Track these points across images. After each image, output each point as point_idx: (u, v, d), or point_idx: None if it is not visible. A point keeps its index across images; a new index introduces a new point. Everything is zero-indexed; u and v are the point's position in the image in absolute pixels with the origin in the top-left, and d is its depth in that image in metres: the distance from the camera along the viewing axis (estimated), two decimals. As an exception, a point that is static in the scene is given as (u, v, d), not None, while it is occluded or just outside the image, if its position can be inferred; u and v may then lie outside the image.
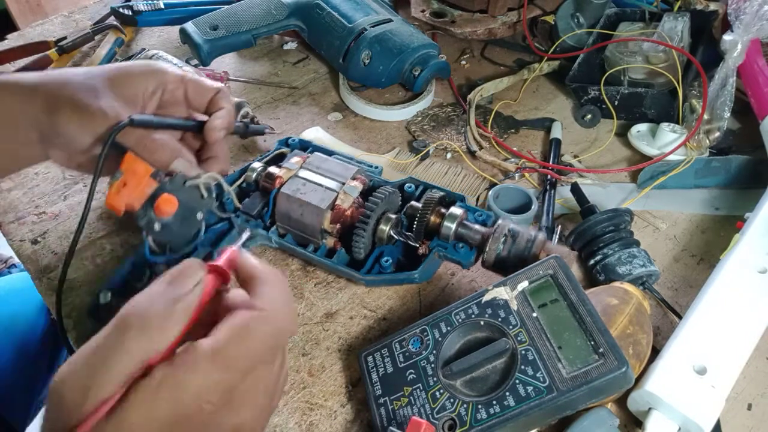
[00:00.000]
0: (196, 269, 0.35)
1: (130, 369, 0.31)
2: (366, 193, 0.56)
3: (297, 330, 0.37)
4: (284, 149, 0.63)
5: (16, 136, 0.50)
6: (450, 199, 0.57)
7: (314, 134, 0.73)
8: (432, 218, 0.54)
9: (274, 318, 0.35)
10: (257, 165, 0.59)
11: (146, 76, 0.52)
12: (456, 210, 0.54)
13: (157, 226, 0.49)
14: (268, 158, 0.62)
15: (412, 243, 0.54)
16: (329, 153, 0.62)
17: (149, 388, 0.30)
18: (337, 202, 0.54)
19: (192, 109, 0.56)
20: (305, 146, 0.64)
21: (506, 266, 0.48)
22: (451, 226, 0.53)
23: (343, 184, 0.55)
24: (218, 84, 0.57)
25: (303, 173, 0.56)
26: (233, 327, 0.33)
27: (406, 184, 0.59)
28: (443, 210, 0.54)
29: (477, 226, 0.53)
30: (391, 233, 0.54)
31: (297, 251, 0.57)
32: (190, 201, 0.51)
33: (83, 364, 0.31)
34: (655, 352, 0.49)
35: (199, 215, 0.53)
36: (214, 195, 0.53)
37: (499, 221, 0.52)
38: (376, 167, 0.61)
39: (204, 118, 0.54)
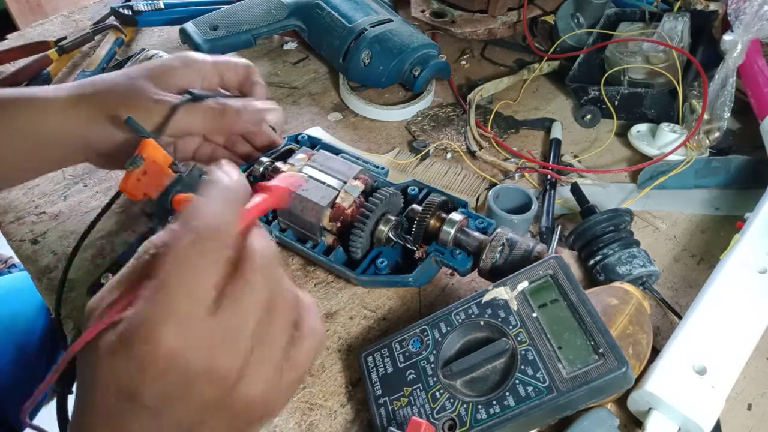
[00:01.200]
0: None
1: (131, 279, 0.33)
2: (369, 194, 0.55)
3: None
4: (293, 145, 0.63)
5: (60, 149, 0.54)
6: (452, 204, 0.56)
7: (314, 134, 0.73)
8: (431, 222, 0.54)
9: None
10: (265, 159, 0.60)
11: (184, 69, 0.56)
12: (456, 216, 0.53)
13: (170, 218, 0.49)
14: (276, 154, 0.61)
15: (409, 246, 0.54)
16: (337, 151, 0.61)
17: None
18: (337, 201, 0.54)
19: (226, 89, 0.60)
20: (314, 143, 0.64)
21: (502, 275, 0.47)
22: (450, 231, 0.53)
23: (345, 182, 0.55)
24: (244, 61, 0.60)
25: (307, 170, 0.56)
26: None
27: (410, 187, 0.58)
28: (443, 215, 0.54)
29: (476, 233, 0.53)
30: (390, 235, 0.54)
31: (295, 247, 0.57)
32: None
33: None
34: (655, 352, 0.49)
35: None
36: None
37: (498, 230, 0.52)
38: (382, 168, 0.60)
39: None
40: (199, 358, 0.30)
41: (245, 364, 0.32)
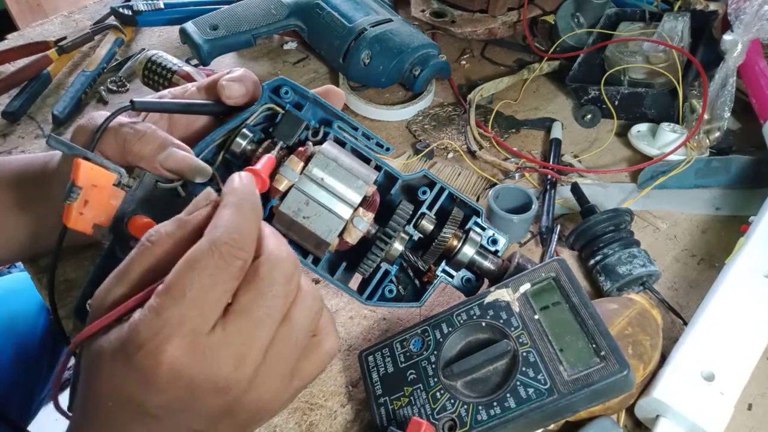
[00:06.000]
0: (207, 193, 0.35)
1: (130, 280, 0.32)
2: (382, 196, 0.50)
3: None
4: (273, 105, 0.49)
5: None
6: (466, 212, 0.51)
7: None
8: (449, 241, 0.49)
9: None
10: (247, 132, 0.48)
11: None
12: (476, 237, 0.49)
13: (132, 243, 0.43)
14: (257, 121, 0.49)
15: (421, 268, 0.50)
16: (332, 116, 0.50)
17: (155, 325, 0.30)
18: (344, 236, 0.47)
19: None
20: (301, 104, 0.50)
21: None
22: (468, 255, 0.49)
23: (354, 208, 0.46)
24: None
25: (306, 185, 0.45)
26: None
27: (421, 188, 0.50)
28: (460, 233, 0.50)
29: (492, 258, 0.50)
30: (404, 254, 0.49)
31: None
32: (165, 203, 0.44)
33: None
34: (664, 359, 0.49)
35: None
36: (191, 188, 0.46)
37: (518, 259, 0.49)
38: (387, 149, 0.51)
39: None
40: (204, 373, 0.30)
41: (254, 375, 0.31)
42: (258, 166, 0.38)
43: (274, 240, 0.33)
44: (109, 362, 0.30)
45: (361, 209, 0.47)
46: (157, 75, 0.73)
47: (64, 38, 0.83)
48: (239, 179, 0.34)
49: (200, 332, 0.30)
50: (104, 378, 0.31)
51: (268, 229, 0.34)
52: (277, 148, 0.46)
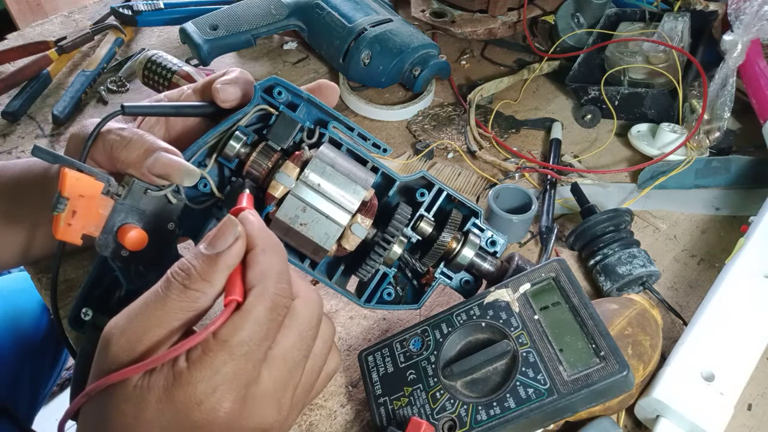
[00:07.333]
0: (234, 225, 0.34)
1: (171, 325, 0.32)
2: (379, 198, 0.49)
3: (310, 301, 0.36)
4: (266, 106, 0.47)
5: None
6: (465, 212, 0.50)
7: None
8: (449, 243, 0.49)
9: (268, 295, 0.33)
10: (239, 134, 0.46)
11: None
12: (475, 239, 0.49)
13: (124, 252, 0.43)
14: (250, 122, 0.47)
15: (420, 270, 0.50)
16: (327, 116, 0.49)
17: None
18: (342, 243, 0.46)
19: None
20: (295, 104, 0.48)
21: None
22: (467, 258, 0.48)
23: (352, 215, 0.45)
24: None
25: (302, 192, 0.44)
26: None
27: (419, 190, 0.50)
28: (459, 235, 0.49)
29: (491, 259, 0.50)
30: (403, 257, 0.49)
31: (293, 263, 0.49)
32: (156, 210, 0.43)
33: (129, 317, 0.33)
34: (664, 359, 0.49)
35: (171, 225, 0.45)
36: (183, 194, 0.45)
37: (517, 260, 0.49)
38: (385, 150, 0.49)
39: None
40: (254, 421, 0.32)
41: (288, 413, 0.34)
42: (244, 203, 0.39)
43: (302, 282, 0.36)
44: (155, 405, 0.31)
45: (359, 215, 0.46)
46: (157, 75, 0.73)
47: (64, 38, 0.83)
48: (256, 219, 0.36)
49: (251, 383, 0.32)
50: (145, 417, 0.31)
51: (293, 271, 0.36)
52: (247, 188, 0.44)
